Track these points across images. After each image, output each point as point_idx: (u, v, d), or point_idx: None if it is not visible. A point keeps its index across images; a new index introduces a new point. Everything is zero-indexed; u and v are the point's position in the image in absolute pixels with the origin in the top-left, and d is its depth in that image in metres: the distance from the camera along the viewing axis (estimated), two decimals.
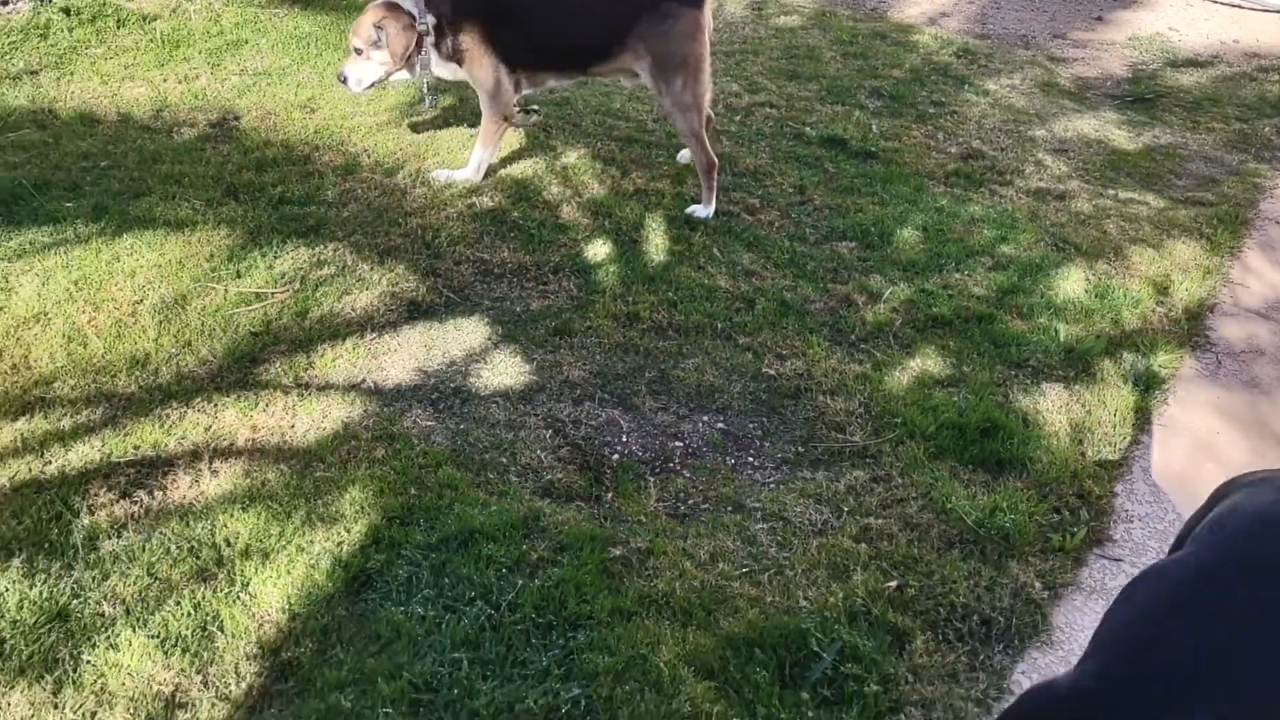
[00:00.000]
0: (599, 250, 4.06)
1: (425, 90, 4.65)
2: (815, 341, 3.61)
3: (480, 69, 4.28)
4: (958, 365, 3.54)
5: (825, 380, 3.43)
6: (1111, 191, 4.89)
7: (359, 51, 4.24)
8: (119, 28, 5.66)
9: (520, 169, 4.62)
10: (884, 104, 5.66)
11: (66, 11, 5.61)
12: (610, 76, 4.49)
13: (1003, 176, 4.92)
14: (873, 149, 5.04)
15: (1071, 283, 4.02)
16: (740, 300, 3.81)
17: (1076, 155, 5.26)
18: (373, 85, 4.34)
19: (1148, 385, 3.47)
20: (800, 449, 3.19)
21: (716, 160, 4.34)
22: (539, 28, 4.26)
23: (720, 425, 3.28)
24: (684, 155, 4.69)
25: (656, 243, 4.14)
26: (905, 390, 3.40)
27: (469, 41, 4.23)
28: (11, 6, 5.59)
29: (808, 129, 5.23)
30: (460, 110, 5.11)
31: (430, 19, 4.16)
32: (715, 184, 4.33)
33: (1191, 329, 3.82)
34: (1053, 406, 3.35)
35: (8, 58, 5.19)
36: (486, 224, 4.17)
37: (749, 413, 3.33)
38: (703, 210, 4.34)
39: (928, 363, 3.54)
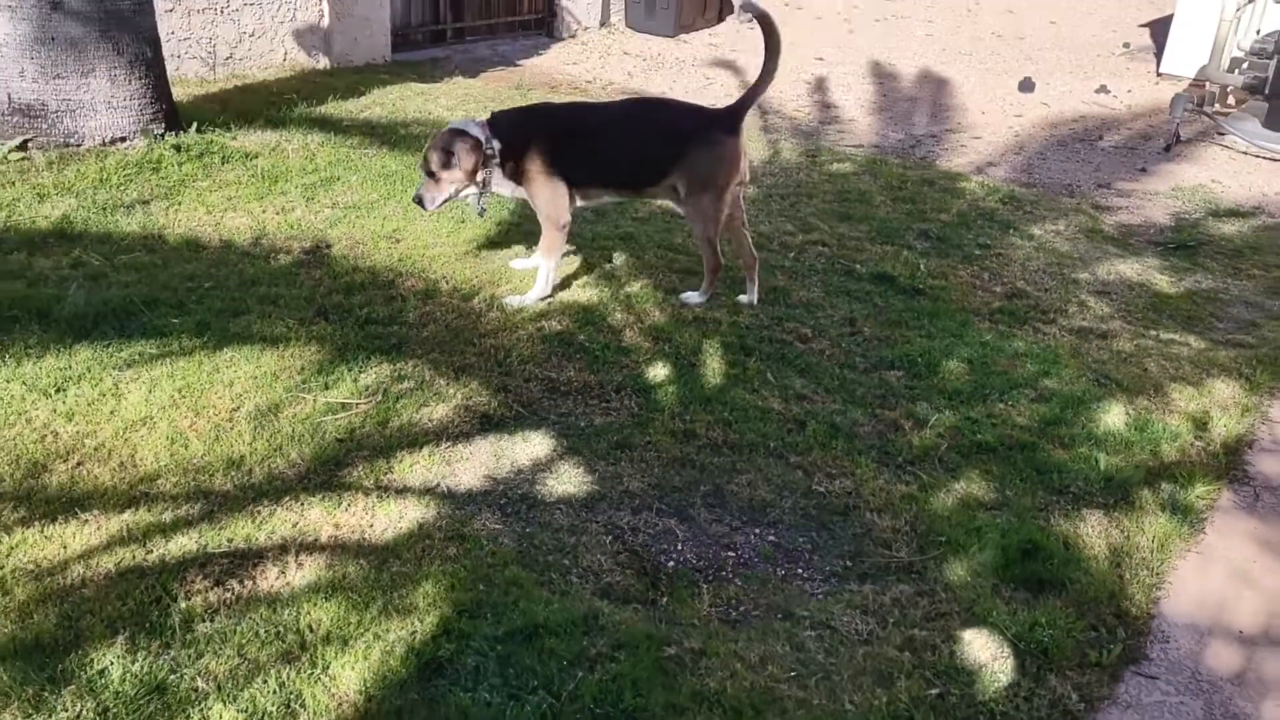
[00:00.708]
0: (659, 372, 4.32)
1: (480, 204, 4.97)
2: (863, 463, 3.80)
3: (540, 189, 4.73)
4: (1001, 490, 3.69)
5: (873, 499, 3.61)
6: (1153, 332, 5.08)
7: (431, 175, 4.69)
8: (223, 163, 6.19)
9: (586, 296, 4.94)
10: (931, 245, 5.96)
11: (177, 149, 6.15)
12: (659, 197, 4.95)
13: (1046, 315, 5.14)
14: (920, 286, 5.31)
15: (1112, 416, 4.18)
16: (792, 422, 4.03)
17: (1119, 297, 5.47)
18: (444, 203, 4.80)
19: (1185, 514, 3.60)
20: (848, 563, 3.35)
21: (722, 264, 4.94)
22: (604, 153, 4.73)
23: (771, 538, 3.46)
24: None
25: (713, 366, 4.39)
26: (950, 511, 3.56)
27: (533, 166, 4.69)
28: (128, 143, 6.15)
29: (858, 266, 5.52)
30: (523, 237, 5.49)
31: (497, 144, 4.65)
32: (714, 282, 4.95)
33: (1229, 463, 3.95)
34: (1092, 531, 3.48)
35: (123, 188, 5.69)
36: (554, 345, 4.47)
37: (799, 527, 3.50)
38: (697, 298, 4.96)
39: (972, 486, 3.71)
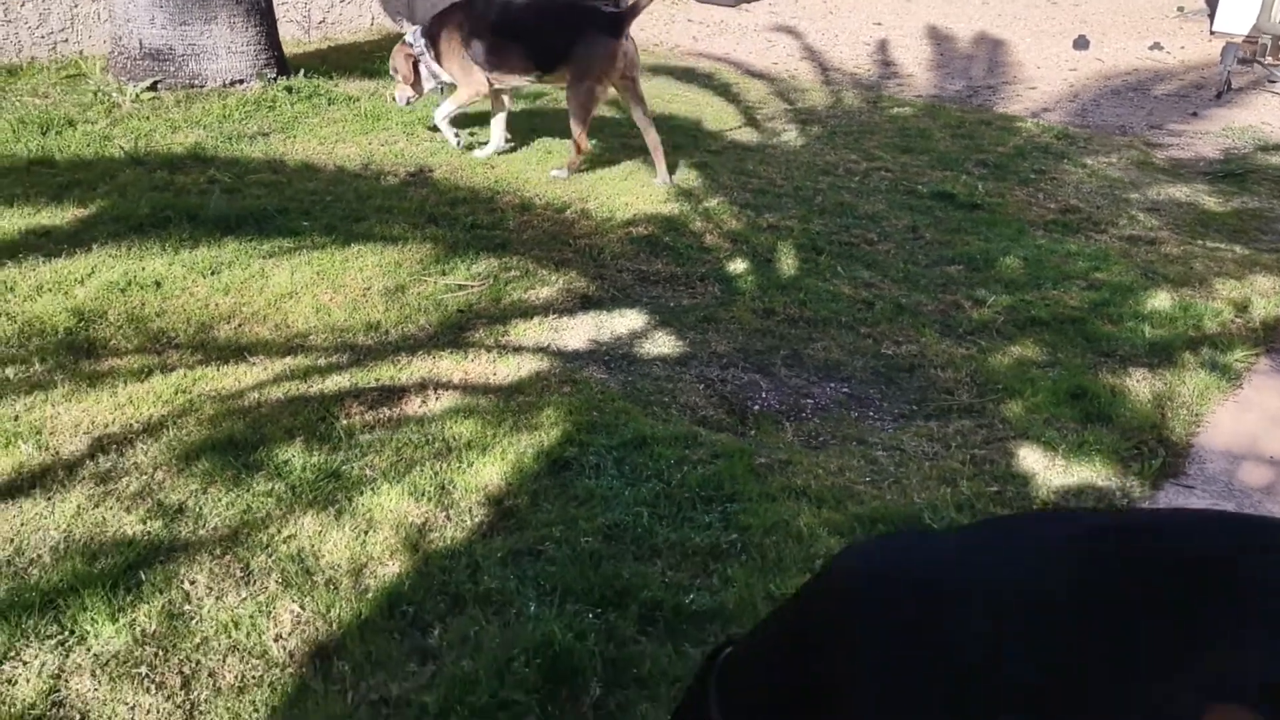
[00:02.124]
0: (738, 266, 4.77)
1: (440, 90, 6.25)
2: (927, 333, 4.21)
3: (454, 67, 5.92)
4: (1053, 353, 4.09)
5: (936, 359, 4.03)
6: (1199, 242, 5.42)
7: (394, 79, 6.17)
8: (329, 104, 6.74)
9: (668, 209, 5.40)
10: (989, 171, 6.33)
11: (289, 90, 6.72)
12: (555, 83, 5.99)
13: (1098, 226, 5.51)
14: (978, 202, 5.70)
15: (1158, 300, 4.55)
16: (861, 303, 4.46)
17: (1168, 214, 5.81)
18: (410, 100, 6.23)
19: (1224, 372, 3.96)
20: (914, 406, 3.77)
21: (588, 149, 5.88)
22: (505, 42, 5.76)
23: (845, 389, 3.89)
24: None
25: (787, 262, 4.83)
26: (1006, 367, 3.97)
27: (449, 51, 5.86)
28: (245, 85, 6.73)
29: (919, 187, 5.92)
30: (619, 170, 5.96)
31: (423, 41, 5.90)
32: (576, 163, 5.82)
33: (1268, 335, 4.30)
34: (1137, 383, 3.87)
35: (244, 122, 6.26)
36: (642, 245, 4.93)
37: (870, 381, 3.93)
38: (561, 174, 5.81)
39: (1026, 350, 4.11)
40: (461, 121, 6.43)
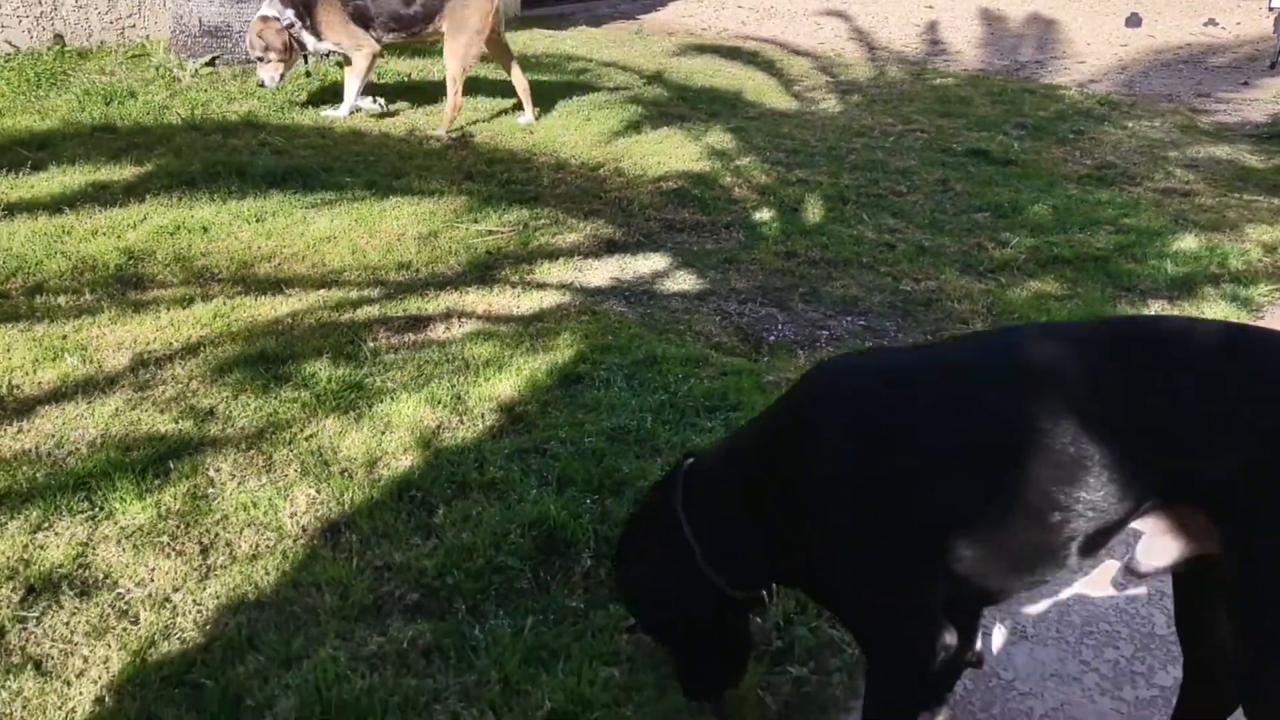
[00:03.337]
0: (764, 215, 4.85)
1: (308, 65, 6.50)
2: (948, 271, 4.25)
3: (339, 34, 6.09)
4: (1073, 288, 4.10)
5: (954, 294, 4.06)
6: (1236, 195, 5.36)
7: (261, 60, 6.03)
8: (378, 78, 6.96)
9: (700, 167, 5.50)
10: (1026, 133, 6.32)
11: (338, 65, 6.96)
12: (432, 39, 6.36)
13: (1132, 180, 5.48)
14: (1012, 158, 5.70)
15: (1185, 241, 4.53)
16: (883, 245, 4.51)
17: (1206, 170, 5.75)
18: (283, 77, 6.17)
19: (1245, 304, 3.94)
20: (929, 337, 3.81)
21: (461, 104, 6.08)
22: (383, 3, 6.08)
23: (861, 322, 3.95)
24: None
25: (814, 211, 4.90)
26: (1024, 301, 3.99)
27: (327, 19, 6.01)
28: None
29: (954, 146, 5.94)
30: (655, 134, 6.08)
31: (290, 13, 5.93)
32: (453, 119, 6.04)
33: None
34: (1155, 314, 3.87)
35: (295, 94, 6.51)
36: (671, 198, 5.04)
37: (886, 315, 3.98)
38: (440, 133, 5.95)
39: (1046, 286, 4.13)
40: (485, 89, 6.64)
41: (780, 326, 3.91)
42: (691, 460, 1.90)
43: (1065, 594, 2.43)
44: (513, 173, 5.35)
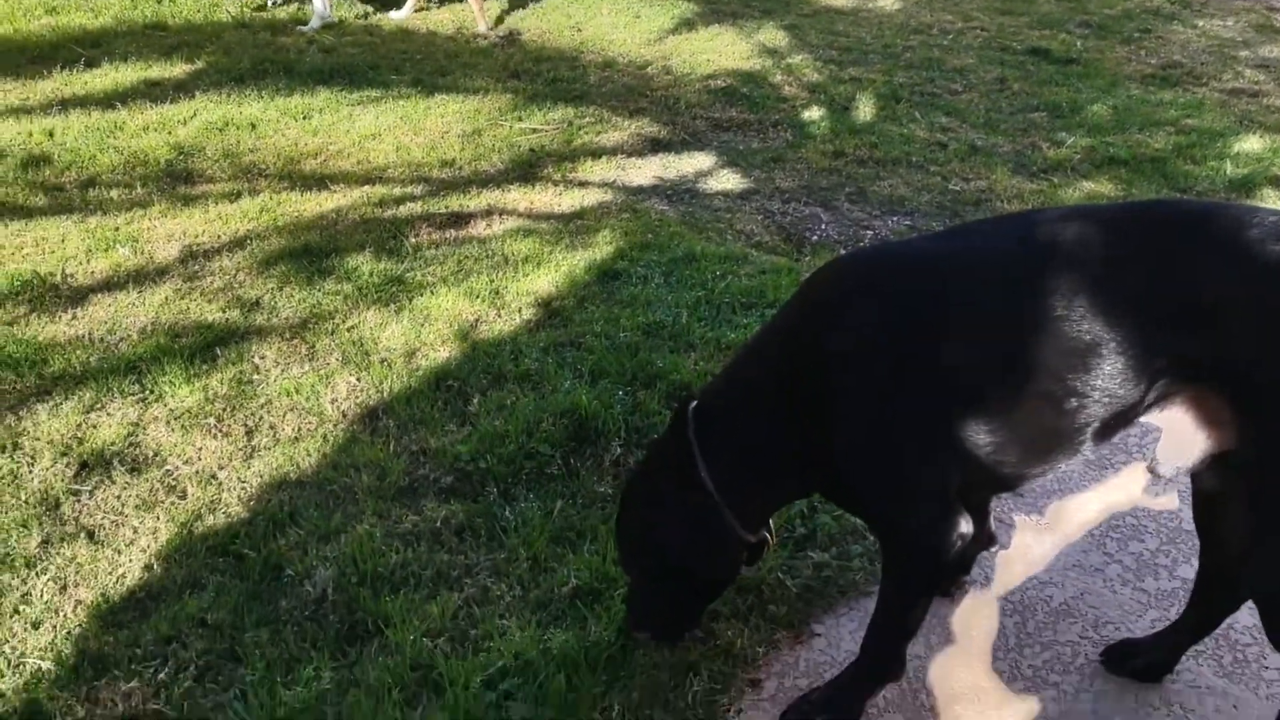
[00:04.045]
0: (813, 113, 4.76)
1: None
2: (999, 170, 4.16)
3: None
4: (1127, 189, 3.99)
5: (1004, 193, 3.98)
6: None
7: None
8: None
9: (750, 64, 5.40)
10: (1090, 31, 6.09)
11: None
12: None
13: (1199, 80, 5.27)
14: (1074, 57, 5.51)
15: (1249, 143, 4.36)
16: (934, 144, 4.41)
17: (1278, 70, 5.51)
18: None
19: None
20: None
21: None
22: None
23: (907, 222, 3.89)
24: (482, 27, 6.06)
25: (865, 109, 4.79)
26: (1076, 201, 3.89)
27: None
28: None
29: (1014, 44, 5.75)
30: (705, 32, 5.96)
31: None
32: (483, 11, 6.01)
33: None
34: None
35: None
36: (719, 96, 4.96)
37: (933, 215, 3.92)
38: (482, 27, 5.94)
39: (1100, 186, 4.02)
40: None
41: (824, 226, 3.86)
42: (694, 403, 1.85)
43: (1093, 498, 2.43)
44: (559, 71, 5.29)
